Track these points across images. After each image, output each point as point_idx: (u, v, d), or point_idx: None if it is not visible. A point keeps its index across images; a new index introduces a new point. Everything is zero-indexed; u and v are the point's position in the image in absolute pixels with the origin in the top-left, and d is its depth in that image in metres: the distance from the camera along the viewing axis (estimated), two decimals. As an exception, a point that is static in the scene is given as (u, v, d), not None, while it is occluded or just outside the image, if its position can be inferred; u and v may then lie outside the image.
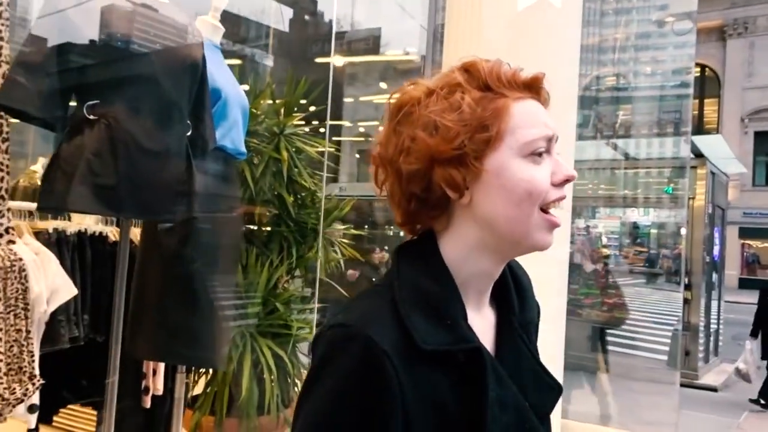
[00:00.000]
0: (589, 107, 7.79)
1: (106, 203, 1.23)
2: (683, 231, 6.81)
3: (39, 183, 1.69)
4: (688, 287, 6.73)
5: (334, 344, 0.59)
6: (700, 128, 19.58)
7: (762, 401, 5.77)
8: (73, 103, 1.28)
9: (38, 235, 1.86)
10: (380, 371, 0.56)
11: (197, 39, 1.46)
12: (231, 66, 1.84)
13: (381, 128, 0.66)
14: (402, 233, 0.69)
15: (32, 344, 1.76)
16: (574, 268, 4.80)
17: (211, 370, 2.61)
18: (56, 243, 1.88)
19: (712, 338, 7.38)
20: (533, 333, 0.73)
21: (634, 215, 10.62)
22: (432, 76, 0.65)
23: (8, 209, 1.56)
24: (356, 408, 0.56)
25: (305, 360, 2.81)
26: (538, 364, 0.69)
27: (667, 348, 6.43)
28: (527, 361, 0.68)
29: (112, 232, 1.93)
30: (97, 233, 1.99)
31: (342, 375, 0.57)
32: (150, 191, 1.27)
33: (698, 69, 20.45)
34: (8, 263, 1.62)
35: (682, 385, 5.53)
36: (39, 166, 2.31)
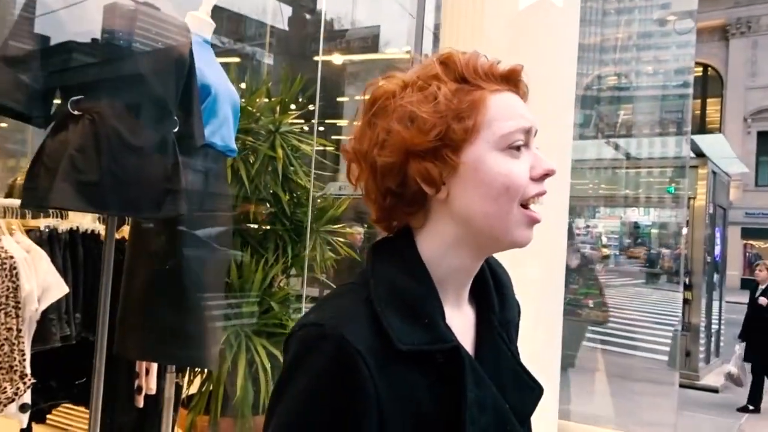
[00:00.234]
0: (590, 107, 7.78)
1: (90, 200, 1.22)
2: (684, 231, 6.79)
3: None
4: (688, 287, 6.70)
5: (306, 343, 0.57)
6: (702, 128, 19.53)
7: (751, 407, 5.71)
8: (57, 101, 1.27)
9: (30, 232, 1.85)
10: (353, 371, 0.55)
11: (186, 34, 1.44)
12: (230, 64, 1.83)
13: (356, 123, 0.65)
14: None
15: (23, 343, 1.75)
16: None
17: (206, 370, 2.61)
18: (48, 241, 1.87)
19: (713, 339, 7.35)
20: (514, 332, 0.71)
21: (635, 215, 10.60)
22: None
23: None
24: (329, 408, 0.55)
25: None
26: (519, 364, 0.67)
27: (667, 348, 6.41)
28: (507, 361, 0.66)
29: (106, 230, 1.93)
30: (89, 231, 1.99)
31: (314, 375, 0.56)
32: (135, 188, 1.26)
33: (701, 68, 20.40)
34: (-2, 261, 1.61)
35: (683, 386, 5.51)
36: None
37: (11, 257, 1.70)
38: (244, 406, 2.58)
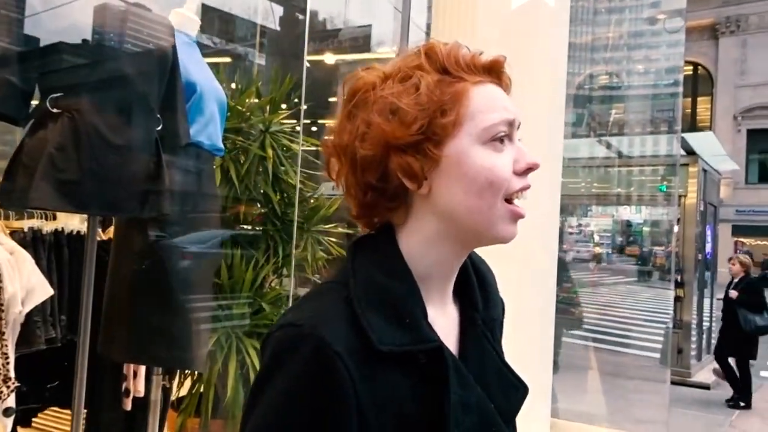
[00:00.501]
0: (582, 105, 7.81)
1: (69, 199, 1.20)
2: (675, 228, 6.82)
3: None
4: (680, 285, 6.73)
5: (284, 345, 0.56)
6: (693, 126, 19.68)
7: (742, 403, 5.73)
8: (35, 102, 1.24)
9: (13, 234, 1.82)
10: (332, 372, 0.53)
11: (171, 32, 1.42)
12: (220, 64, 1.80)
13: (336, 118, 0.63)
14: None
15: (7, 346, 1.72)
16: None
17: (196, 372, 2.58)
18: (32, 242, 1.84)
19: (704, 336, 7.39)
20: (498, 330, 0.70)
21: (627, 213, 10.65)
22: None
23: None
24: (307, 410, 0.54)
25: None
26: (503, 363, 0.66)
27: (659, 346, 6.43)
28: (492, 360, 0.65)
29: (87, 229, 1.90)
30: (75, 232, 1.96)
31: (293, 377, 0.54)
32: (116, 187, 1.23)
33: (691, 67, 20.55)
34: (-21, 263, 1.58)
35: (675, 383, 5.53)
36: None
37: (-6, 259, 1.67)
38: (234, 407, 2.55)
